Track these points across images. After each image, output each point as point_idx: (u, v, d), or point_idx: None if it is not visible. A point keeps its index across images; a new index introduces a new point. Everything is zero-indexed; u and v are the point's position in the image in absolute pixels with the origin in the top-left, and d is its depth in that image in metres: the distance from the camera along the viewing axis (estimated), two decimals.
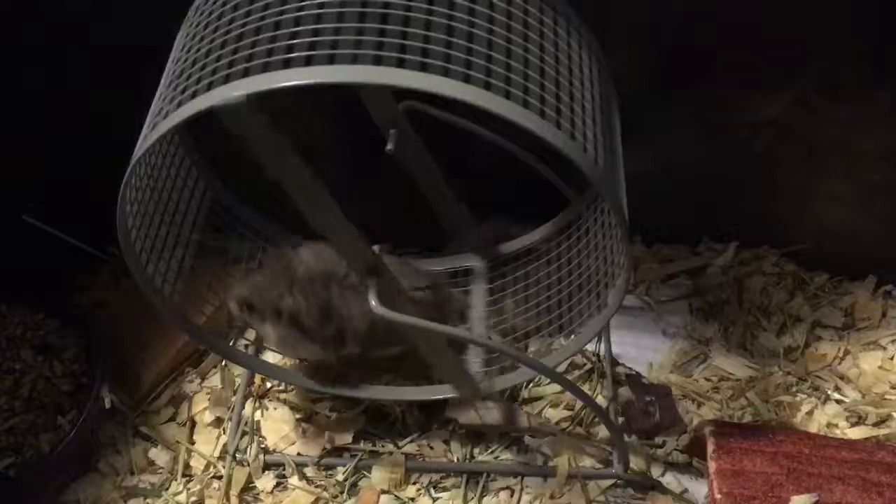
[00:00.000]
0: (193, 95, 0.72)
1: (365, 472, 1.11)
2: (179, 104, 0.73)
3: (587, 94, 0.81)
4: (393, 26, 0.72)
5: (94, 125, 1.08)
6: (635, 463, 1.08)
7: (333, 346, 1.06)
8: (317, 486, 1.10)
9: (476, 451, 1.12)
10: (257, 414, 1.16)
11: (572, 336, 1.08)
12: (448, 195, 1.11)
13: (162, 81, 0.82)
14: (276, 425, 1.14)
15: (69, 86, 1.11)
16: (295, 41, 0.71)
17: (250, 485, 1.10)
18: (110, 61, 1.07)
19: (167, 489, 1.10)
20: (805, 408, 1.14)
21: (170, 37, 0.85)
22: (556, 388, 1.16)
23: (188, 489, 1.10)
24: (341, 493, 1.09)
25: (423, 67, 0.70)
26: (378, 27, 0.71)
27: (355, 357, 1.09)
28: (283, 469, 1.11)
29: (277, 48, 0.71)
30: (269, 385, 1.18)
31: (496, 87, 0.71)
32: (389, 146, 0.97)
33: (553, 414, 1.14)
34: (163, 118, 0.75)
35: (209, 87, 0.72)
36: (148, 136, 0.77)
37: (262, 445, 1.13)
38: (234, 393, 1.18)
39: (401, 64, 0.70)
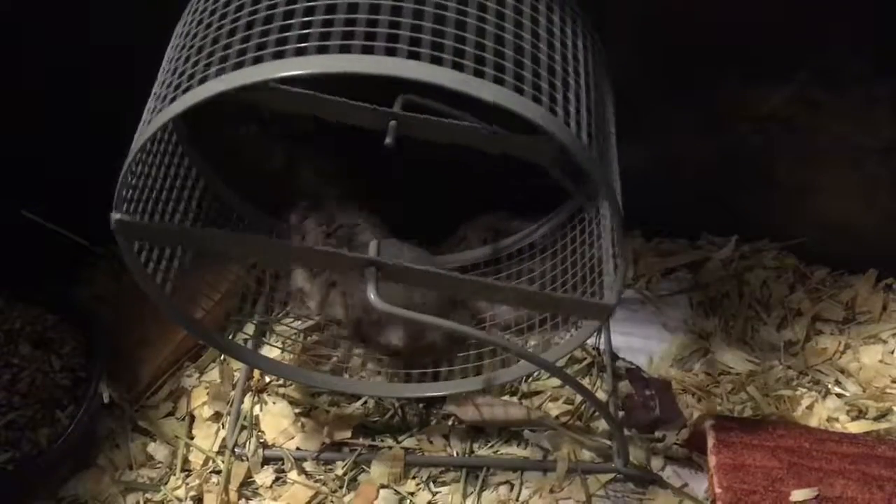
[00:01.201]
0: (186, 90, 0.73)
1: (364, 467, 1.10)
2: (173, 100, 0.74)
3: (580, 81, 0.80)
4: (383, 16, 0.71)
5: (94, 125, 1.08)
6: (635, 457, 1.08)
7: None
8: (316, 481, 1.09)
9: (476, 445, 1.12)
10: (256, 408, 1.16)
11: (573, 331, 1.07)
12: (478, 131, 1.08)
13: (157, 79, 0.82)
14: (275, 420, 1.14)
15: (69, 86, 1.11)
16: (288, 34, 0.71)
17: (249, 479, 1.10)
18: (110, 61, 1.06)
19: (166, 484, 1.10)
20: (805, 402, 1.13)
21: (170, 36, 0.85)
22: (556, 382, 1.16)
23: (187, 484, 1.10)
24: (340, 487, 1.09)
25: (414, 57, 0.70)
26: (368, 17, 0.71)
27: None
28: (283, 464, 1.11)
29: (268, 42, 0.71)
30: (267, 380, 1.18)
31: (487, 74, 0.71)
32: (388, 140, 0.96)
33: (553, 408, 1.14)
34: (156, 113, 0.75)
35: (201, 81, 0.72)
36: (143, 133, 0.77)
37: (261, 440, 1.12)
38: (233, 387, 1.18)
39: (392, 54, 0.70)
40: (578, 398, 1.14)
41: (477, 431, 1.13)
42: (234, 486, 1.08)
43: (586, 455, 1.10)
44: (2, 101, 1.08)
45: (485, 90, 0.70)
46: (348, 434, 1.13)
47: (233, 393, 1.17)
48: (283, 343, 1.21)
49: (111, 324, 1.20)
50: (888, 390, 1.14)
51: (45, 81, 1.11)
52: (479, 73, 0.71)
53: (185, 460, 1.12)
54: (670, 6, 1.03)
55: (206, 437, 1.14)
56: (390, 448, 1.12)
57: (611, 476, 1.08)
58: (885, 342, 1.20)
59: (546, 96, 0.74)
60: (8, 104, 1.08)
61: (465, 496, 1.07)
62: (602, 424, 1.12)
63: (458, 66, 0.70)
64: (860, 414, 1.13)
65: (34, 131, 1.13)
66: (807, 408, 1.13)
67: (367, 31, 0.70)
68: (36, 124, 1.14)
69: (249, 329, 1.23)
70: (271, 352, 1.20)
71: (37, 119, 1.13)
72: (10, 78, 1.09)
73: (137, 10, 1.02)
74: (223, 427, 1.15)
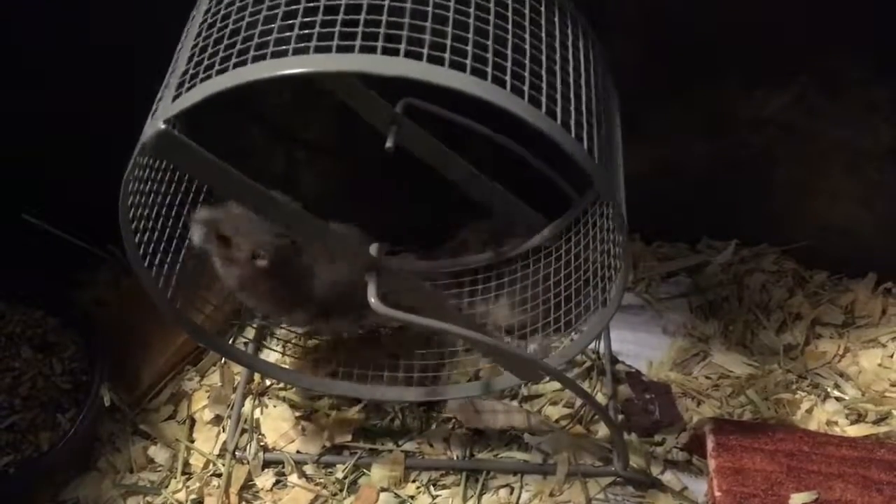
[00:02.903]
0: (191, 87, 0.72)
1: (364, 470, 1.11)
2: (177, 97, 0.73)
3: (584, 86, 0.80)
4: (385, 17, 0.71)
5: (94, 125, 1.08)
6: (635, 461, 1.08)
7: (294, 307, 1.07)
8: (316, 484, 1.09)
9: (476, 448, 1.12)
10: (257, 412, 1.16)
11: (573, 335, 1.07)
12: (467, 170, 1.10)
13: (167, 77, 0.82)
14: (276, 423, 1.14)
15: (69, 86, 1.11)
16: (287, 34, 0.71)
17: (250, 483, 1.10)
18: (110, 61, 1.06)
19: (166, 487, 1.10)
20: (805, 405, 1.14)
21: (170, 37, 0.85)
22: (556, 385, 1.16)
23: (188, 487, 1.10)
24: (341, 490, 1.09)
25: (416, 58, 0.69)
26: (372, 18, 0.71)
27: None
28: (283, 467, 1.11)
29: (273, 40, 0.71)
30: (268, 383, 1.18)
31: (490, 76, 0.70)
32: (389, 144, 0.96)
33: (553, 411, 1.14)
34: (167, 104, 0.75)
35: (206, 79, 0.72)
36: (147, 130, 0.76)
37: (262, 443, 1.12)
38: (234, 391, 1.18)
39: (393, 54, 0.69)
40: (578, 401, 1.14)
41: (477, 435, 1.13)
42: (234, 490, 1.08)
43: (586, 458, 1.10)
44: (2, 102, 1.08)
45: (503, 99, 0.70)
46: (349, 437, 1.13)
47: (233, 396, 1.17)
48: (283, 347, 1.21)
49: (112, 327, 1.20)
50: (887, 394, 1.14)
51: (45, 81, 1.11)
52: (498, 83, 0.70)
53: (186, 463, 1.12)
54: (671, 7, 1.04)
55: (207, 441, 1.14)
56: (391, 451, 1.12)
57: (610, 479, 1.08)
58: (884, 346, 1.20)
59: (562, 111, 0.73)
60: (8, 105, 1.08)
61: (465, 499, 1.07)
62: (602, 428, 1.12)
63: (461, 69, 0.70)
64: (859, 417, 1.13)
65: (35, 133, 1.14)
66: (806, 411, 1.13)
67: (371, 31, 0.70)
68: (36, 125, 1.14)
69: (250, 333, 1.23)
70: (271, 355, 1.20)
71: (37, 120, 1.13)
72: (10, 78, 1.09)
73: (137, 10, 1.02)
74: (224, 430, 1.15)
